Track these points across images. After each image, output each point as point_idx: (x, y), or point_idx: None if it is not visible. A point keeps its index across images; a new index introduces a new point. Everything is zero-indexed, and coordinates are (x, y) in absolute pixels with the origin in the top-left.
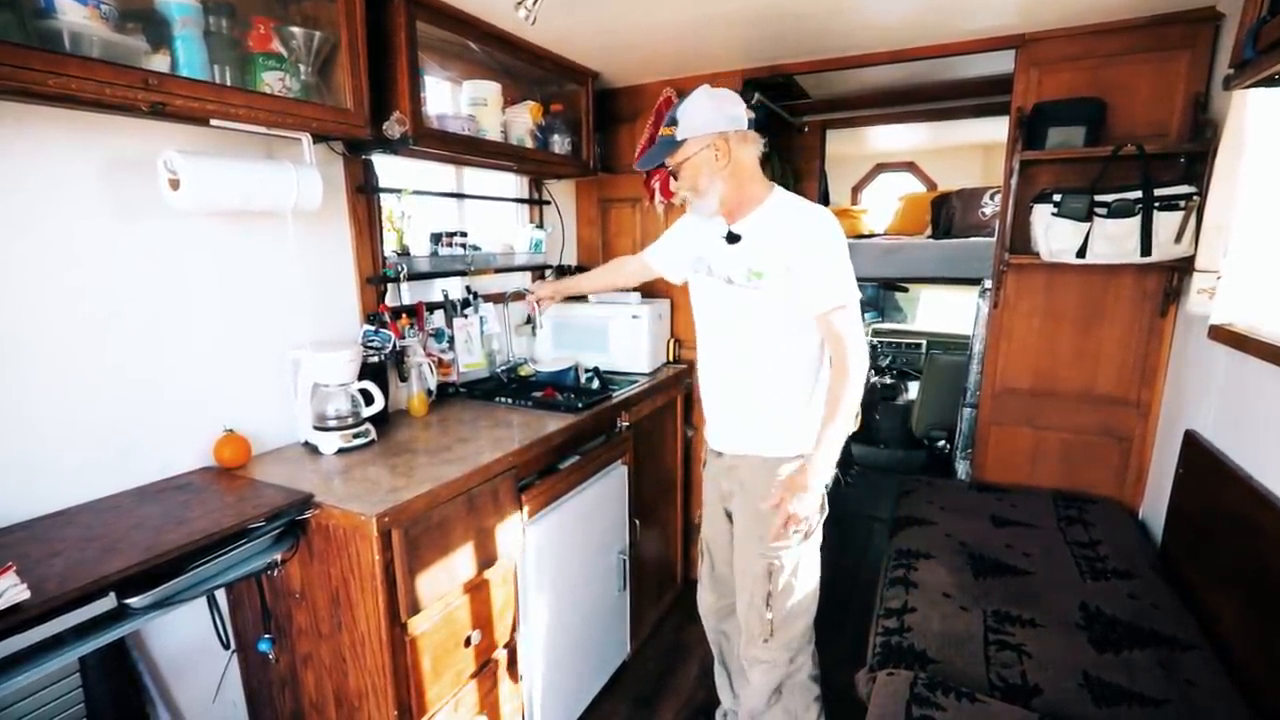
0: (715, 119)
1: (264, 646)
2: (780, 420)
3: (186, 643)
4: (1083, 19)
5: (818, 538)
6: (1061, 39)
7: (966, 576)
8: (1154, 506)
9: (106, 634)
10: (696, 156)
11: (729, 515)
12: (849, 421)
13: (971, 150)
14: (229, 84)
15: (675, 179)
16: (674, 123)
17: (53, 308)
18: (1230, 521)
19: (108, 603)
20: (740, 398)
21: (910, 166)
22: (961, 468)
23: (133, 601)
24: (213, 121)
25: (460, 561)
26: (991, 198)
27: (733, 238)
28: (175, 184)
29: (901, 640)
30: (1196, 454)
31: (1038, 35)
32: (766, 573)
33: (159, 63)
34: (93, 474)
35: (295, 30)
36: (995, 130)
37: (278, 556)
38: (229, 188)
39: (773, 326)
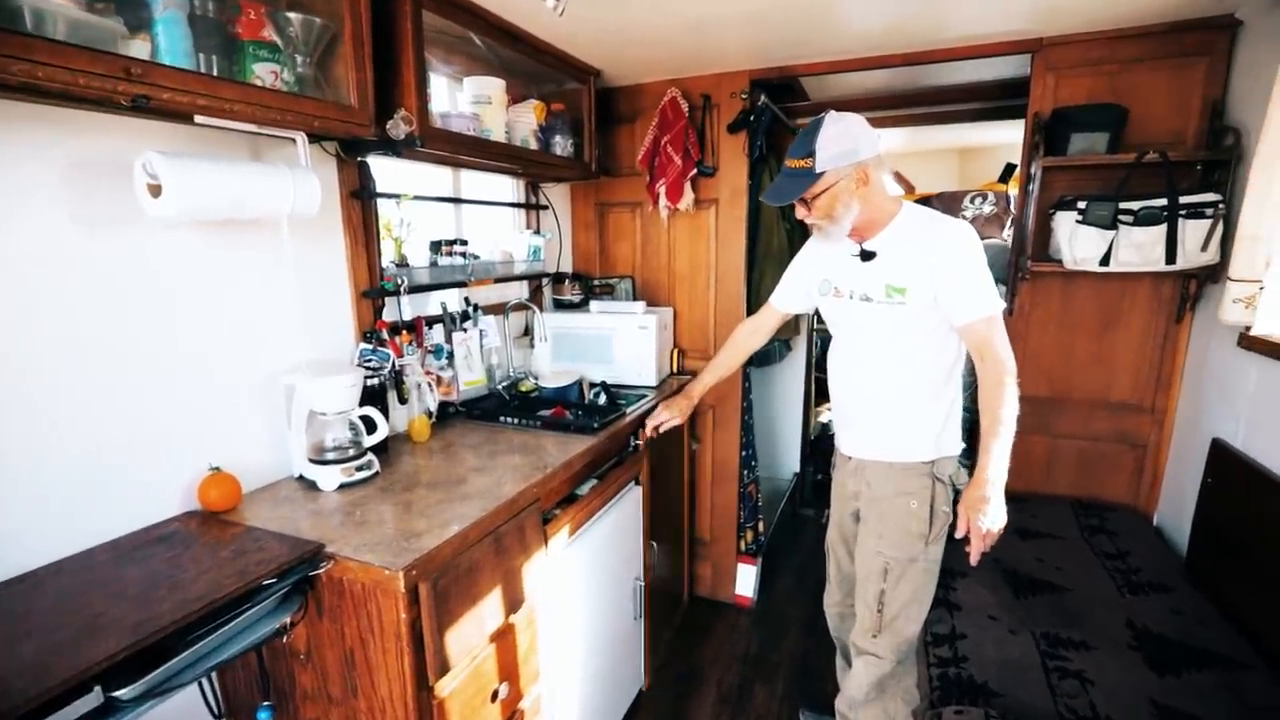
0: (856, 148)
1: (264, 716)
2: (911, 427)
3: (166, 713)
4: (1100, 25)
5: (939, 553)
6: (1080, 43)
7: (1007, 595)
8: (1172, 513)
9: None
10: (836, 186)
11: (855, 516)
12: (1013, 429)
13: (948, 153)
14: (216, 75)
15: (808, 208)
16: (809, 154)
17: (11, 333)
18: (1270, 532)
19: (92, 699)
20: (873, 407)
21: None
22: None
23: (122, 694)
24: (198, 119)
25: (489, 610)
26: (972, 200)
27: (867, 255)
28: (156, 190)
29: (960, 672)
30: (1227, 463)
31: (1055, 40)
32: (882, 571)
33: (137, 48)
34: (61, 527)
35: (293, 16)
36: (973, 134)
37: (287, 619)
38: (217, 193)
39: (910, 339)
